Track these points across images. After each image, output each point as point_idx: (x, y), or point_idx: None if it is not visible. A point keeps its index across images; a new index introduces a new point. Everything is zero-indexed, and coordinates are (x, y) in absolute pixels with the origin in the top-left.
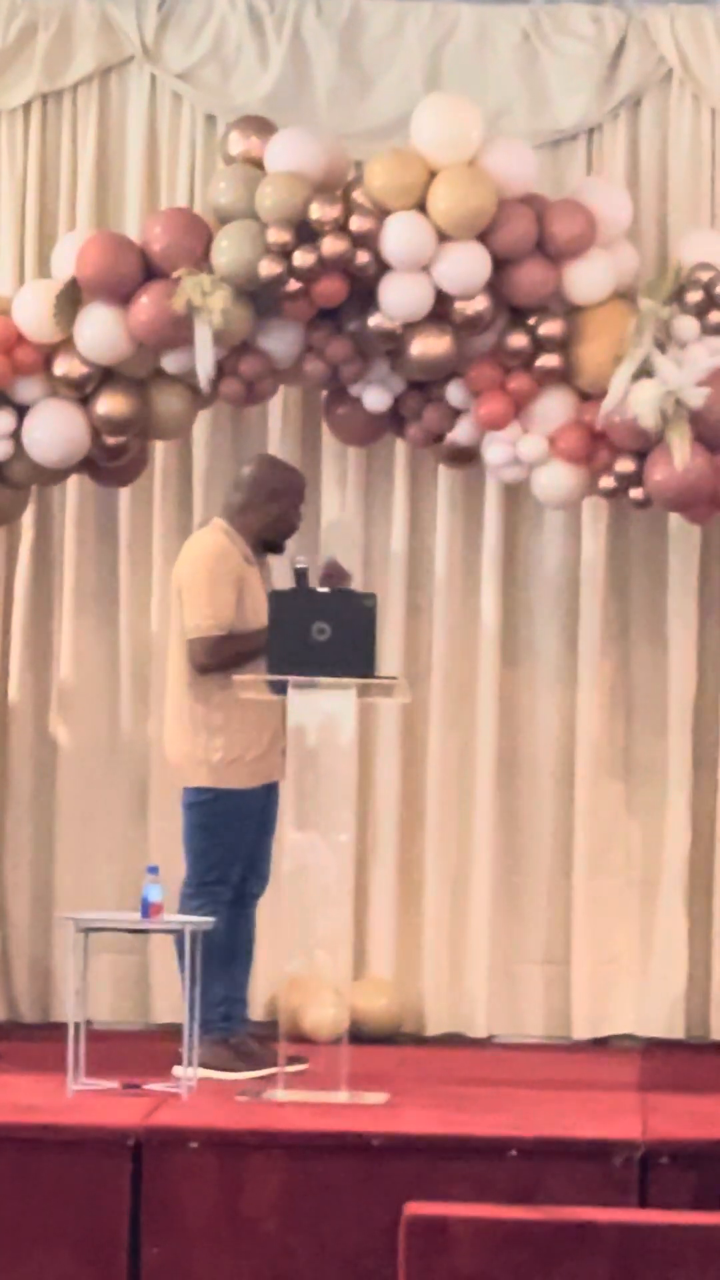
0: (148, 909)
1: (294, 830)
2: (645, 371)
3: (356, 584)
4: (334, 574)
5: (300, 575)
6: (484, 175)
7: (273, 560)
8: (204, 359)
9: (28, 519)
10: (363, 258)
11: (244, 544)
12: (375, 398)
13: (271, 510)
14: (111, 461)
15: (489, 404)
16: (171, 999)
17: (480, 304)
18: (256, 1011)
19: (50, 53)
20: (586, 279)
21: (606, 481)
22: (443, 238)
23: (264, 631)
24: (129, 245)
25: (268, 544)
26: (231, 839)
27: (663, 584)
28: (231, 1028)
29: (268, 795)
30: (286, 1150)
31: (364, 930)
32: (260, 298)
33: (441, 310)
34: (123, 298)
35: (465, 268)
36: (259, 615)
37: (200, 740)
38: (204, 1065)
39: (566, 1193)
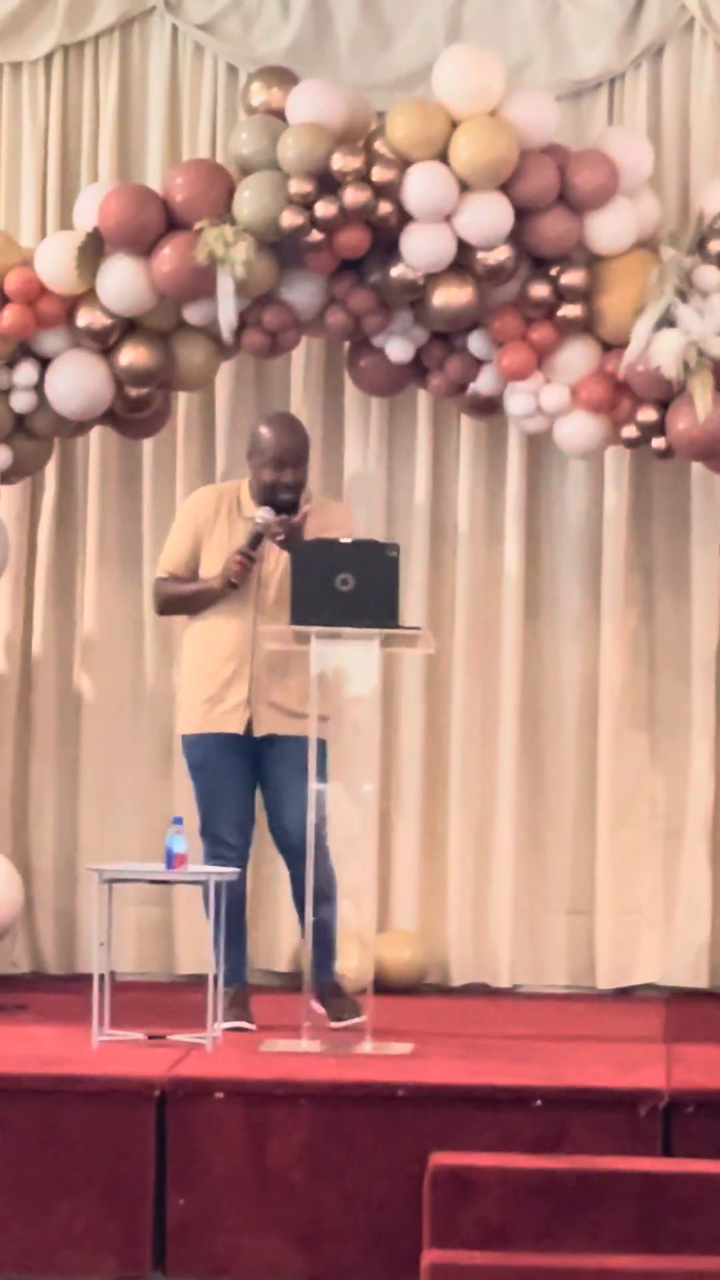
0: (172, 860)
1: (319, 781)
2: (667, 321)
3: (379, 535)
4: (279, 532)
5: (255, 536)
6: (506, 125)
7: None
8: (226, 310)
9: (50, 471)
10: (385, 208)
11: (251, 498)
12: (398, 349)
13: (251, 468)
14: (134, 413)
15: (511, 354)
16: (196, 950)
17: (502, 254)
18: (281, 963)
19: (72, 4)
20: (609, 229)
21: (629, 431)
22: (465, 188)
23: (205, 586)
24: (151, 196)
25: (265, 502)
26: (200, 786)
27: (685, 533)
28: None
29: (235, 746)
30: (311, 1101)
31: (388, 881)
32: (282, 249)
33: (464, 261)
34: (145, 249)
35: (487, 218)
36: (215, 569)
37: (179, 682)
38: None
39: (591, 1142)
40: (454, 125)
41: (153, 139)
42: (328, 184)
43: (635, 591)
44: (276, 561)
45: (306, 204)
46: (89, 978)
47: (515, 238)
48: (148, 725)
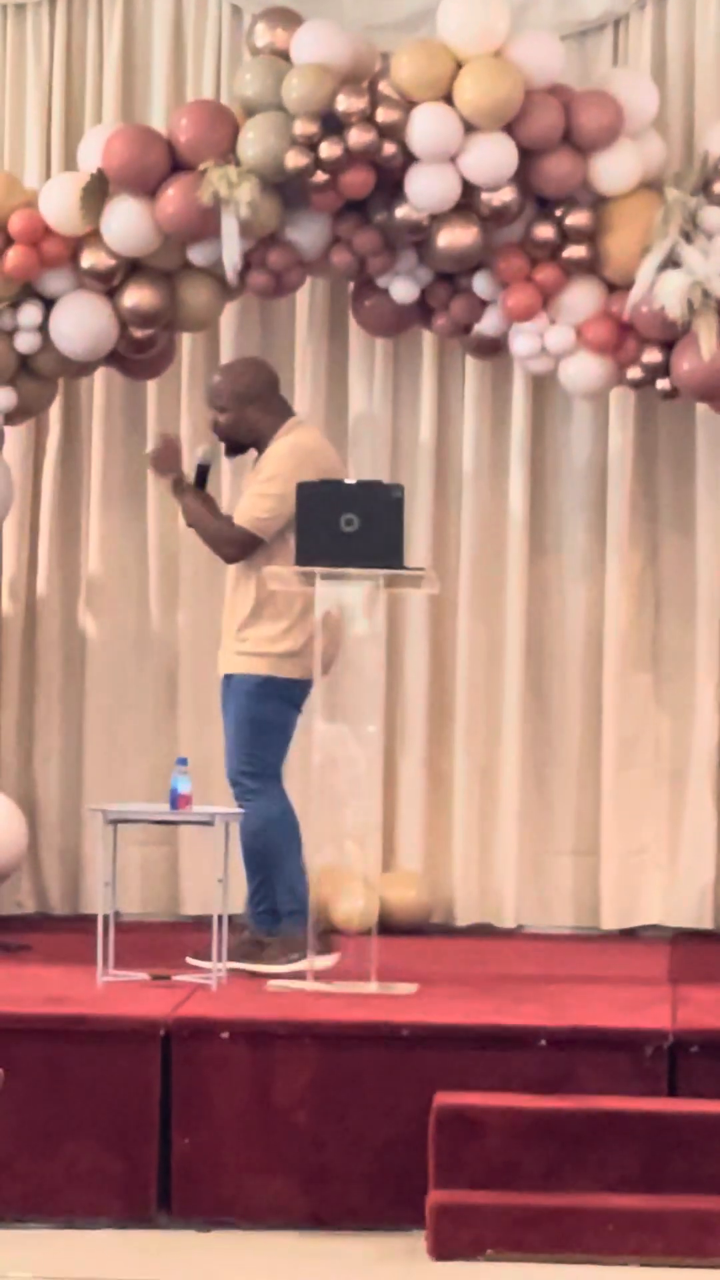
0: (176, 800)
1: (323, 722)
2: (672, 261)
3: (384, 476)
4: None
5: (201, 471)
6: (510, 66)
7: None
8: (231, 250)
9: (55, 412)
10: (389, 149)
11: None
12: (402, 289)
13: None
14: (139, 354)
15: (516, 295)
16: (201, 891)
17: (507, 195)
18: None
19: None
20: (613, 169)
21: (634, 372)
22: (469, 129)
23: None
24: (155, 137)
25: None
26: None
27: (690, 474)
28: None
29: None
30: (316, 1040)
31: (393, 822)
32: (287, 189)
33: (468, 201)
34: (149, 190)
35: (492, 158)
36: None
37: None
38: (247, 958)
39: (596, 1082)
40: (459, 66)
41: (157, 80)
42: (332, 125)
43: (640, 533)
44: None
45: (311, 145)
46: (94, 918)
47: (520, 178)
48: (152, 666)
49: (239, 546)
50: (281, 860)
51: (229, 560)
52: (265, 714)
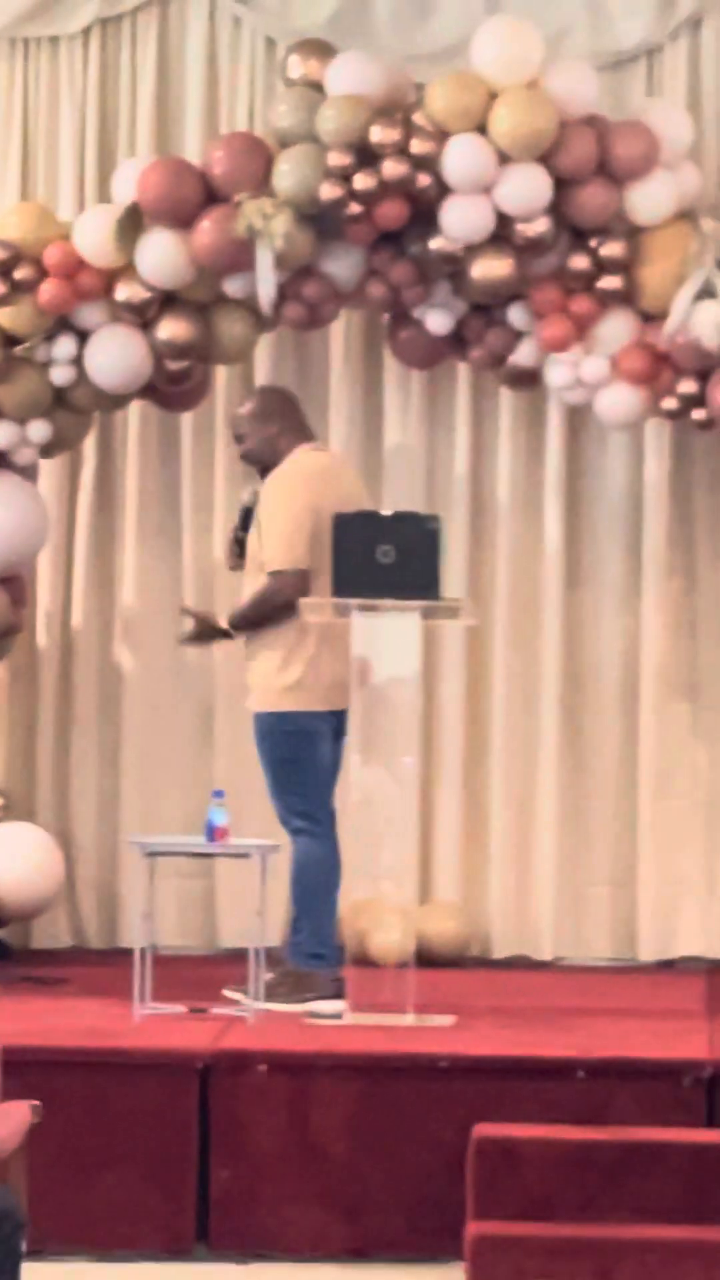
0: (213, 833)
1: (359, 756)
2: (707, 292)
3: (419, 507)
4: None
5: (245, 514)
6: (545, 97)
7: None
8: (265, 283)
9: (90, 445)
10: (424, 180)
11: None
12: (437, 320)
13: None
14: (173, 386)
15: (551, 326)
16: (237, 923)
17: (542, 226)
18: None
19: None
20: (648, 200)
21: (669, 402)
22: (504, 159)
23: None
24: (190, 170)
25: None
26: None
27: None
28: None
29: None
30: (354, 1072)
31: (430, 853)
32: (322, 221)
33: (503, 232)
34: (184, 222)
35: (527, 189)
36: None
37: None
38: (274, 997)
39: (634, 1113)
40: (493, 97)
41: (191, 112)
42: (367, 156)
43: (676, 562)
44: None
45: (345, 176)
46: (131, 952)
47: (555, 209)
48: (188, 699)
49: (286, 591)
50: (315, 902)
51: (293, 608)
52: (287, 753)
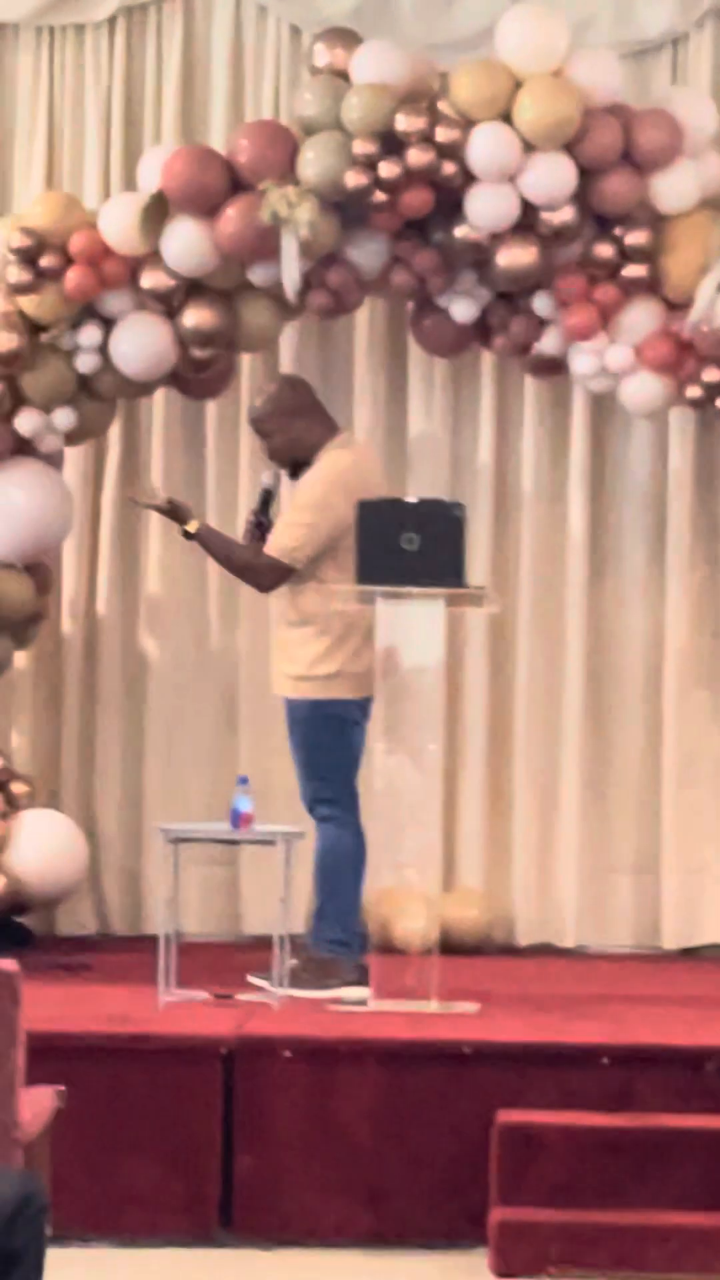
0: (238, 819)
1: (382, 743)
2: None
3: (444, 495)
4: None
5: (265, 498)
6: (569, 85)
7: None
8: (290, 271)
9: (115, 433)
10: (449, 168)
11: None
12: (462, 309)
13: None
14: (198, 374)
15: (576, 314)
16: (262, 910)
17: (566, 214)
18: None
19: None
20: (673, 188)
21: (693, 391)
22: (528, 148)
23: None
24: (215, 158)
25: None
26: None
27: None
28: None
29: None
30: (378, 1059)
31: (453, 841)
32: (346, 209)
33: (528, 221)
34: (209, 210)
35: (551, 178)
36: None
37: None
38: (298, 984)
39: (657, 1100)
40: (518, 85)
41: (216, 100)
42: (391, 144)
43: (700, 551)
44: None
45: (370, 164)
46: (155, 938)
47: (579, 198)
48: (212, 685)
49: (270, 575)
50: (341, 888)
51: (262, 590)
52: (323, 740)
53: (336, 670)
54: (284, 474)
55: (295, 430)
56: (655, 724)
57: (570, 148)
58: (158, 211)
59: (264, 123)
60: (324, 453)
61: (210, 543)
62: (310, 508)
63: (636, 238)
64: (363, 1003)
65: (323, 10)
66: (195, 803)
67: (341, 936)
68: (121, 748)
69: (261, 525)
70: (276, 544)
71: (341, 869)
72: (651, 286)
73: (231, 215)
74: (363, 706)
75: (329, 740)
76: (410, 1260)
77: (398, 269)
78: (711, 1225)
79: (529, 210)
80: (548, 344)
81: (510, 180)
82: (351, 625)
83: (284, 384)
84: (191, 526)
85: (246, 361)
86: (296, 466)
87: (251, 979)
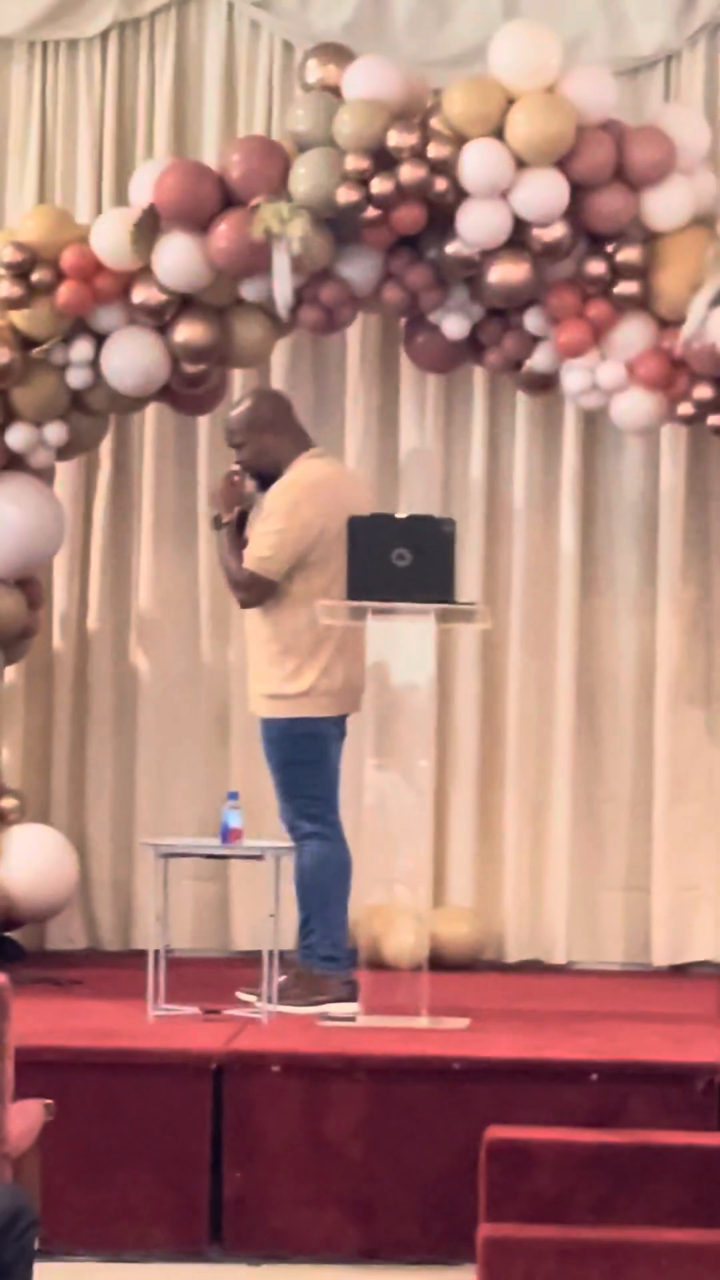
0: (228, 835)
1: (373, 760)
2: None
3: (435, 511)
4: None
5: (240, 516)
6: (562, 102)
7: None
8: (283, 286)
9: (106, 448)
10: (441, 185)
11: None
12: (454, 325)
13: None
14: (190, 390)
15: (568, 331)
16: (251, 926)
17: (559, 231)
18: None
19: None
20: (665, 206)
21: (685, 408)
22: (521, 165)
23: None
24: (207, 173)
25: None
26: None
27: None
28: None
29: None
30: (368, 1074)
31: (444, 857)
32: (339, 225)
33: (520, 237)
34: (201, 225)
35: (544, 195)
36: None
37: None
38: (286, 1000)
39: (647, 1116)
40: (510, 102)
41: (208, 116)
42: (384, 160)
43: (691, 567)
44: None
45: (363, 180)
46: (145, 953)
47: (571, 214)
48: (203, 701)
49: (248, 590)
50: (327, 903)
51: (244, 605)
52: (300, 758)
53: (308, 688)
54: (255, 487)
55: (264, 444)
56: (646, 741)
57: (562, 164)
58: (150, 226)
59: (256, 138)
60: (294, 464)
61: (225, 543)
62: (277, 514)
63: (628, 254)
64: (351, 1019)
65: (315, 26)
66: (185, 818)
67: (331, 952)
68: (112, 763)
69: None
70: (250, 557)
71: (328, 884)
72: (643, 303)
73: (223, 230)
74: (338, 723)
75: (306, 758)
76: (399, 1276)
77: (390, 285)
78: (701, 1242)
79: (521, 227)
80: (539, 360)
81: (502, 197)
82: (320, 641)
83: (260, 397)
84: (228, 517)
85: (238, 377)
86: (264, 481)
87: (241, 995)
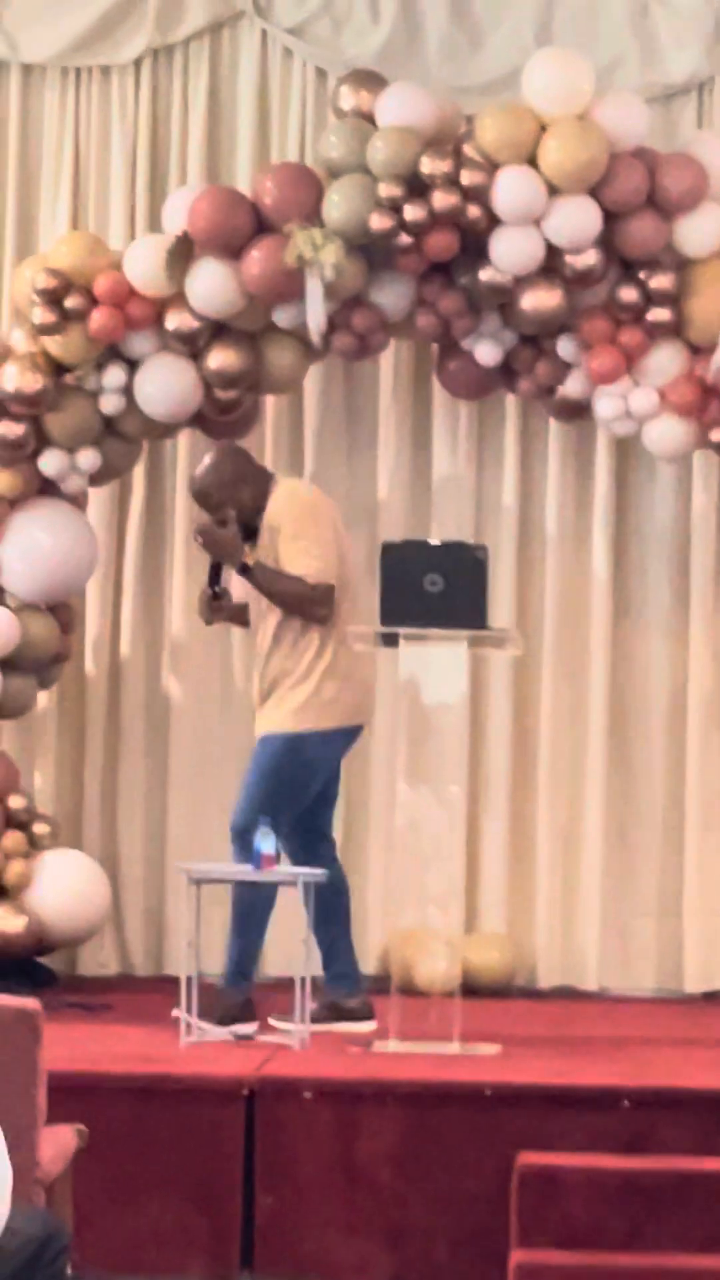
0: (260, 860)
1: (405, 784)
2: None
3: (468, 537)
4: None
5: (215, 567)
6: (595, 129)
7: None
8: (315, 313)
9: (139, 474)
10: (474, 212)
11: None
12: (486, 351)
13: None
14: (223, 416)
15: (600, 357)
16: (283, 951)
17: (591, 258)
18: (368, 964)
19: (162, 8)
20: (697, 232)
21: (717, 434)
22: (554, 191)
23: None
24: (240, 199)
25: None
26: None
27: None
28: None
29: None
30: (399, 1100)
31: (476, 884)
32: (372, 251)
33: (552, 264)
34: (234, 252)
35: (576, 221)
36: None
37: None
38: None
39: (678, 1143)
40: (543, 128)
41: (242, 142)
42: (417, 187)
43: None
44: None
45: (395, 207)
46: (176, 979)
47: (604, 241)
48: (235, 726)
49: (323, 602)
50: (245, 925)
51: (321, 620)
52: (280, 769)
53: (301, 704)
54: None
55: (244, 497)
56: (678, 766)
57: (595, 191)
58: (183, 253)
59: (289, 165)
60: (273, 493)
61: (262, 576)
62: (299, 525)
63: (661, 281)
64: (250, 1036)
65: (348, 52)
66: (217, 843)
67: (235, 970)
68: (144, 788)
69: (217, 596)
70: (305, 570)
71: (255, 904)
72: (676, 330)
73: (257, 257)
74: (325, 740)
75: (287, 773)
76: None
77: (422, 311)
78: None
79: (553, 253)
80: (572, 387)
81: (535, 223)
82: (315, 659)
83: (221, 454)
84: (250, 559)
85: (271, 403)
86: (250, 532)
87: (273, 1021)
